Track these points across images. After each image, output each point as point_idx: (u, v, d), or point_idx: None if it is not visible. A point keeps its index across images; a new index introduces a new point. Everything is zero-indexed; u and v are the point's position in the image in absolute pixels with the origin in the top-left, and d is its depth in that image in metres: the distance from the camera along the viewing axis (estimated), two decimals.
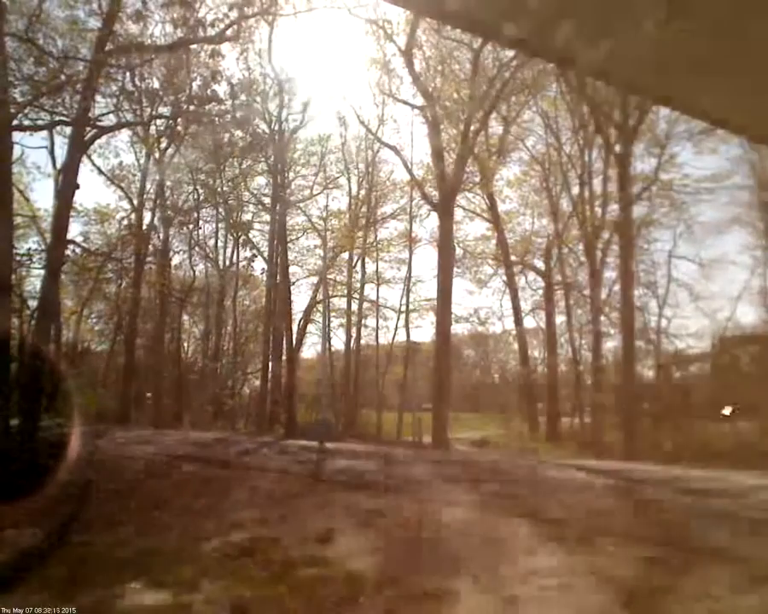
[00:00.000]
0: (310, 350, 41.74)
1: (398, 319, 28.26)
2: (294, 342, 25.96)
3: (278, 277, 24.05)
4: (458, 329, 36.35)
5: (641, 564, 5.64)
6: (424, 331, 60.07)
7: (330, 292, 27.79)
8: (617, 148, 18.80)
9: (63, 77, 13.85)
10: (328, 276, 26.49)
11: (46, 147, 21.59)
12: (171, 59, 16.27)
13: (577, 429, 23.07)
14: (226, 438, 16.86)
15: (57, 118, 15.32)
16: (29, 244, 20.90)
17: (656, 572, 5.44)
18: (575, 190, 23.52)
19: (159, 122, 21.42)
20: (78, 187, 15.10)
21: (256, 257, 28.13)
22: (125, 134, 23.88)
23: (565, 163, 24.00)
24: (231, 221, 26.89)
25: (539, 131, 25.06)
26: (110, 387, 25.98)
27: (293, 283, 27.99)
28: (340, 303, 29.80)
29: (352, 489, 9.06)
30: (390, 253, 29.46)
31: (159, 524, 7.40)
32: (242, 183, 26.64)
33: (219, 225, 28.94)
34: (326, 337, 22.52)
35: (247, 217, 28.27)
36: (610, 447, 17.76)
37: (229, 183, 26.72)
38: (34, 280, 19.71)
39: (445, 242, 19.29)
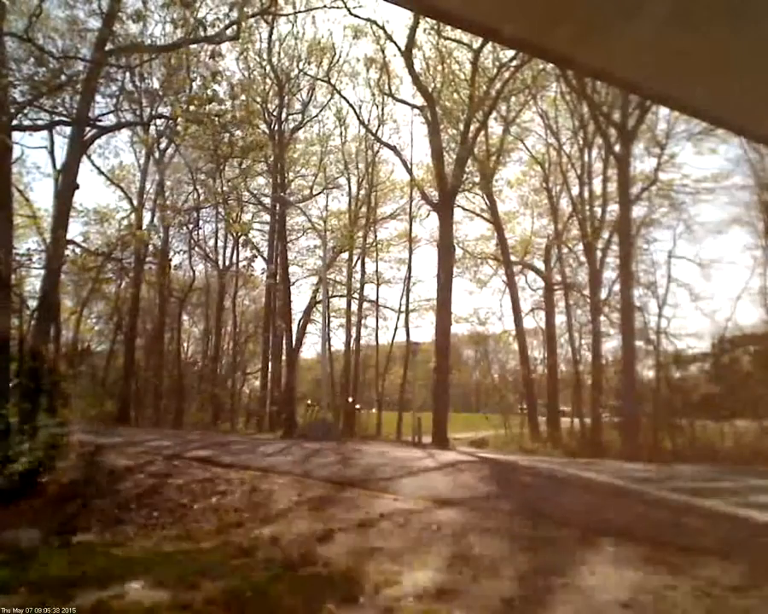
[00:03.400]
0: (310, 350, 41.80)
1: (397, 319, 28.29)
2: (294, 342, 26.00)
3: (278, 277, 24.05)
4: (458, 329, 36.38)
5: None
6: (424, 331, 60.24)
7: (330, 292, 27.80)
8: (617, 148, 18.79)
9: (63, 77, 13.84)
10: (328, 276, 26.49)
11: (46, 147, 21.65)
12: (170, 59, 16.26)
13: (577, 429, 23.06)
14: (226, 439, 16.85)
15: (57, 118, 15.33)
16: (29, 244, 20.93)
17: None
18: (575, 190, 23.53)
19: (159, 122, 21.44)
20: (77, 187, 15.11)
21: (256, 257, 28.18)
22: (124, 134, 23.98)
23: (565, 163, 23.97)
24: (231, 221, 26.91)
25: (539, 131, 25.06)
26: (110, 387, 25.98)
27: (293, 283, 28.05)
28: (340, 303, 29.85)
29: None
30: (390, 253, 29.52)
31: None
32: (242, 183, 26.66)
33: (219, 225, 29.00)
34: (326, 337, 22.52)
35: (247, 217, 28.34)
36: (610, 447, 17.76)
37: (229, 183, 26.76)
38: (34, 281, 19.72)
39: (445, 242, 19.28)
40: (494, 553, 5.66)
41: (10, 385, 12.03)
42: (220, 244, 29.69)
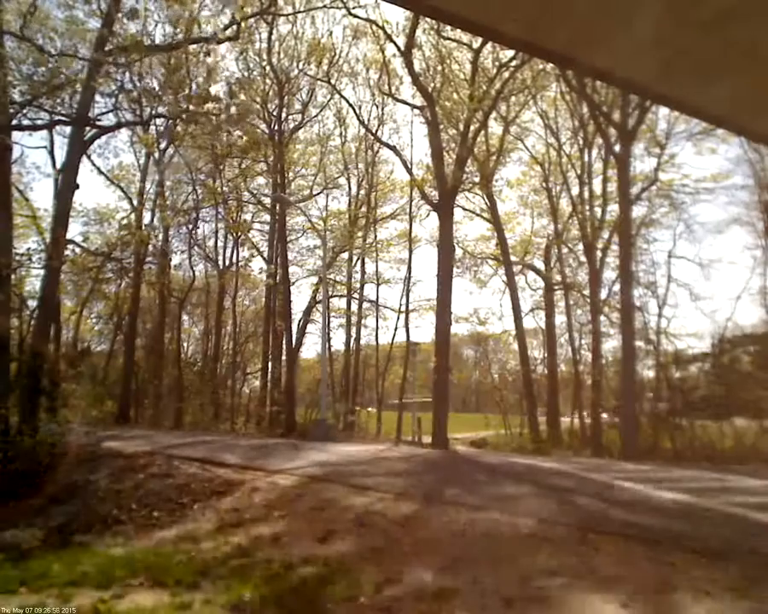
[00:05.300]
0: (310, 350, 41.81)
1: (397, 319, 28.27)
2: (294, 342, 25.96)
3: (278, 277, 24.04)
4: (458, 329, 36.45)
5: None
6: (424, 331, 60.39)
7: (330, 292, 27.78)
8: (617, 148, 18.78)
9: (62, 76, 13.84)
10: (328, 276, 26.48)
11: (46, 147, 21.68)
12: (170, 58, 16.24)
13: (577, 429, 23.07)
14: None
15: (57, 118, 15.32)
16: (29, 244, 20.97)
17: None
18: (575, 190, 23.53)
19: (159, 122, 21.43)
20: (77, 187, 15.12)
21: (254, 257, 28.23)
22: (124, 134, 23.96)
23: (565, 163, 23.98)
24: (231, 221, 26.91)
25: (539, 131, 25.06)
26: (110, 387, 25.97)
27: (293, 283, 28.02)
28: (340, 303, 29.85)
29: None
30: (390, 253, 29.51)
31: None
32: (242, 183, 26.65)
33: (219, 225, 29.00)
34: (326, 337, 22.51)
35: (247, 217, 28.34)
36: (610, 447, 17.76)
37: (229, 183, 26.74)
38: (34, 281, 19.75)
39: (445, 242, 19.25)
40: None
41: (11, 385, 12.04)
42: (220, 244, 29.72)
